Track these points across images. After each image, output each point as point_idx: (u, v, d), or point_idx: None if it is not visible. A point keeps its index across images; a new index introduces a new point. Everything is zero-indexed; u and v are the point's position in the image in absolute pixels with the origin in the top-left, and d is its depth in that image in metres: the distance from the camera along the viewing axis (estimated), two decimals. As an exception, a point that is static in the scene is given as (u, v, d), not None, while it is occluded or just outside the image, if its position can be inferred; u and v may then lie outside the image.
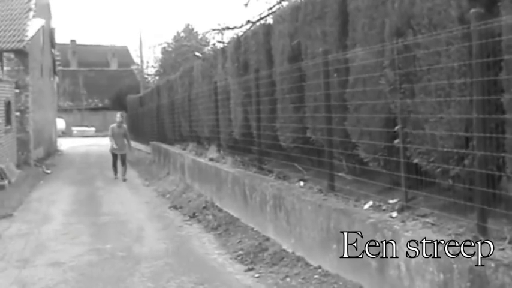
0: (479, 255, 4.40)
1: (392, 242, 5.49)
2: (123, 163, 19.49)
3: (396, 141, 6.32)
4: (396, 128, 6.30)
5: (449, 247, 4.71)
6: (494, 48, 4.97)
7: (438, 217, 5.59)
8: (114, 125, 19.59)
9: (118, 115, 20.33)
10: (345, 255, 6.43)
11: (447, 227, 5.29)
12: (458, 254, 4.56)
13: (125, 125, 20.62)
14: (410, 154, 6.14)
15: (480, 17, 4.96)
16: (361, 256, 6.10)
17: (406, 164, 6.17)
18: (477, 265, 4.33)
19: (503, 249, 4.51)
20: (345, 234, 6.40)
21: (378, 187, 6.95)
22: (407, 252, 5.26)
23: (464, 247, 4.64)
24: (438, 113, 5.67)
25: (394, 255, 5.47)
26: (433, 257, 4.86)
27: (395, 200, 6.32)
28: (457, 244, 4.74)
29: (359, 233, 6.11)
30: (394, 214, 6.01)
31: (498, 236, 4.77)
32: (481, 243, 4.71)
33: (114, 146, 19.23)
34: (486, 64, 4.94)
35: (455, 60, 5.46)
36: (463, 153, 5.38)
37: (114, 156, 19.62)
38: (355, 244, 6.23)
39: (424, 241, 5.03)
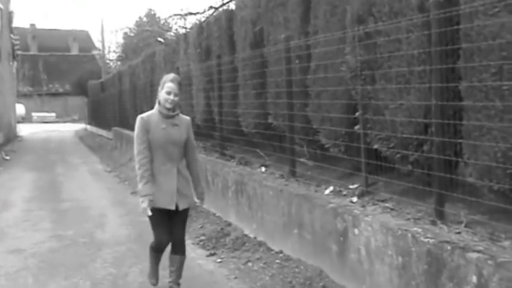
0: (437, 239, 4.50)
1: (353, 226, 5.57)
2: (181, 236, 5.88)
3: (357, 127, 6.39)
4: (357, 114, 6.37)
5: (407, 231, 4.80)
6: (453, 37, 5.06)
7: (397, 202, 5.69)
8: (154, 111, 5.68)
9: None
10: (306, 240, 6.51)
11: (406, 212, 5.39)
12: (416, 238, 4.65)
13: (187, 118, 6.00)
14: (371, 140, 6.22)
15: (439, 6, 5.04)
16: (321, 241, 6.18)
17: (366, 150, 6.26)
18: (434, 248, 4.43)
19: (459, 233, 4.62)
20: (306, 219, 6.47)
21: (338, 173, 7.03)
22: (367, 237, 5.35)
23: (422, 231, 4.75)
24: (398, 100, 5.75)
25: (354, 240, 5.56)
26: (392, 241, 4.96)
27: (355, 185, 6.41)
28: (416, 228, 4.84)
29: (320, 218, 6.19)
30: (355, 199, 6.10)
31: (455, 220, 4.88)
32: (439, 227, 4.82)
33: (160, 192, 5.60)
34: (445, 52, 5.03)
35: (415, 47, 5.54)
36: (422, 139, 5.48)
37: (158, 218, 5.61)
38: (316, 228, 6.31)
39: (383, 225, 5.12)
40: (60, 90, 66.46)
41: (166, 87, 5.52)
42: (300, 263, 6.55)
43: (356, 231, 5.52)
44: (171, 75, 5.65)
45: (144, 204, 5.45)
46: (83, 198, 12.70)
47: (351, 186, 6.46)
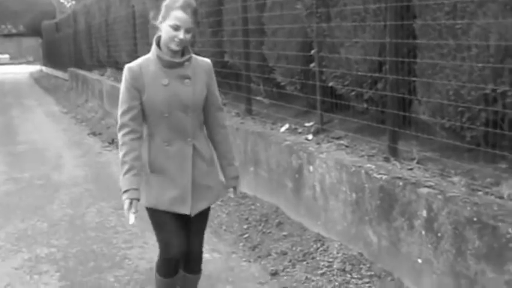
0: (389, 175, 4.58)
1: (308, 163, 5.63)
2: (198, 248, 3.99)
3: (312, 65, 6.38)
4: (312, 51, 6.35)
5: (361, 168, 4.87)
6: (408, -26, 5.04)
7: (352, 139, 5.74)
8: (150, 57, 3.69)
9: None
10: (262, 177, 6.56)
11: (360, 149, 5.45)
12: (369, 174, 4.72)
13: (205, 63, 3.87)
14: (326, 78, 6.22)
15: None
16: (277, 178, 6.24)
17: (321, 88, 6.27)
18: (387, 184, 4.51)
19: (411, 169, 4.70)
20: (262, 156, 6.51)
21: (294, 110, 7.05)
22: (321, 173, 5.41)
23: (376, 167, 4.82)
24: (353, 38, 5.74)
25: (309, 177, 5.62)
26: (346, 177, 5.03)
27: (311, 123, 6.43)
28: (369, 165, 4.91)
29: (275, 155, 6.23)
30: (310, 137, 6.14)
31: (407, 156, 4.95)
32: (392, 164, 4.90)
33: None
34: (399, -11, 5.02)
35: (370, -16, 5.51)
36: (377, 77, 5.50)
37: (164, 220, 3.75)
38: (271, 166, 6.36)
39: (338, 162, 5.18)
40: (14, 31, 64.72)
41: (173, 19, 3.42)
42: (256, 200, 6.63)
43: (311, 168, 5.57)
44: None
45: (125, 205, 3.47)
46: (39, 141, 12.55)
47: (306, 124, 6.48)
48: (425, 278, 4.17)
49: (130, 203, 3.46)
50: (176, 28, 3.44)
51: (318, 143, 5.87)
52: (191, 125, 3.67)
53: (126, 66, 3.61)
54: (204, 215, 3.88)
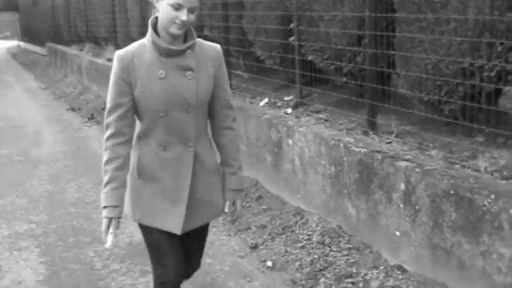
0: (368, 149, 4.60)
1: (287, 137, 5.64)
2: (197, 266, 3.56)
3: (291, 38, 6.37)
4: (291, 25, 6.34)
5: (340, 141, 4.89)
6: None
7: (331, 113, 5.75)
8: (144, 43, 3.00)
9: None
10: (242, 151, 6.56)
11: (339, 122, 5.46)
12: (348, 148, 4.75)
13: (213, 50, 3.17)
14: (305, 52, 6.22)
15: None
16: (257, 152, 6.25)
17: (301, 62, 6.26)
18: (365, 158, 4.54)
19: (390, 143, 4.73)
20: (241, 130, 6.51)
21: (274, 85, 7.04)
22: (300, 147, 5.43)
23: (355, 141, 4.84)
24: (332, 11, 5.72)
25: (289, 150, 5.64)
26: (325, 151, 5.05)
27: (290, 97, 6.43)
28: (348, 138, 4.93)
29: (255, 129, 6.23)
30: (289, 110, 6.14)
31: (386, 130, 4.98)
32: (370, 137, 4.93)
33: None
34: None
35: (349, -43, 5.49)
36: (356, 51, 5.50)
37: (159, 239, 3.17)
38: (251, 140, 6.37)
39: (317, 136, 5.20)
40: (-10, 5, 63.93)
41: None
42: (237, 175, 6.63)
43: (290, 141, 5.59)
44: None
45: (103, 225, 2.97)
46: (18, 117, 12.45)
47: (285, 98, 6.48)
48: (403, 251, 4.22)
49: (109, 223, 2.96)
50: (178, 7, 2.78)
51: (297, 117, 5.87)
52: (193, 126, 3.02)
53: (116, 53, 2.96)
54: (201, 233, 3.36)
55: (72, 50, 18.23)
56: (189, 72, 2.93)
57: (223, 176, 3.25)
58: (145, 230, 3.16)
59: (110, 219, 2.95)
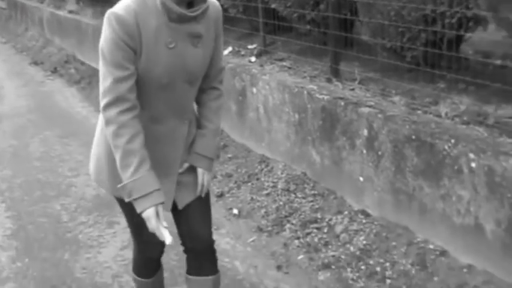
0: (331, 95, 4.63)
1: (251, 85, 5.64)
2: (207, 236, 2.86)
3: (254, -14, 6.32)
4: (254, -27, 6.28)
5: (303, 88, 4.91)
6: None
7: (295, 61, 5.75)
8: (148, 3, 2.38)
9: None
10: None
11: (303, 70, 5.47)
12: (312, 95, 4.77)
13: (215, 8, 2.60)
14: (268, 0, 6.17)
15: None
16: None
17: (264, 10, 6.21)
18: (328, 105, 4.57)
19: (353, 89, 4.76)
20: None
21: (237, 33, 6.99)
22: (264, 95, 5.44)
23: (318, 88, 4.87)
24: (294, -43, 5.68)
25: (253, 99, 5.65)
26: (289, 98, 5.07)
27: (254, 45, 6.40)
28: (312, 86, 4.95)
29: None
30: (253, 59, 6.12)
31: (349, 77, 5.00)
32: (334, 84, 4.95)
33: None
34: None
35: None
36: (319, -2, 5.49)
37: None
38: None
39: (280, 83, 5.21)
40: None
41: None
42: (201, 125, 6.63)
43: (254, 90, 5.59)
44: None
45: (151, 220, 2.40)
46: (-23, 72, 12.22)
47: (249, 46, 6.45)
48: (367, 196, 4.30)
49: (156, 212, 2.41)
50: None
51: (261, 65, 5.86)
52: (192, 98, 2.68)
53: (113, 13, 2.34)
54: (203, 199, 2.81)
55: (32, 3, 17.76)
56: (197, 40, 2.48)
57: (196, 135, 2.75)
58: (128, 206, 2.53)
59: (157, 206, 2.41)
